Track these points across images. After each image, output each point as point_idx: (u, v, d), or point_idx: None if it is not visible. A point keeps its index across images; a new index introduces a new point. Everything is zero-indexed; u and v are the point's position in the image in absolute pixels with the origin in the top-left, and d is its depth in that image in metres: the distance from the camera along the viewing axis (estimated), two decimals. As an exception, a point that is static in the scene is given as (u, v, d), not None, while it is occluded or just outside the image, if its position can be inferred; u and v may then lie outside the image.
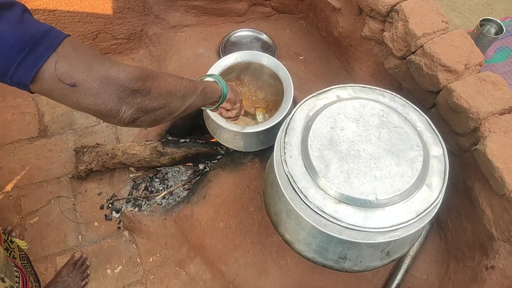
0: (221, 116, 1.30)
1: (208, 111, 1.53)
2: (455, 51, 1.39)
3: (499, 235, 1.23)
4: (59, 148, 2.04)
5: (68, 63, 0.64)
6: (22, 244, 1.72)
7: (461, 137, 1.39)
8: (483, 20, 2.03)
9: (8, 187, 1.90)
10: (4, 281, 1.05)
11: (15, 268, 1.14)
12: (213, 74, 1.19)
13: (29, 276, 1.24)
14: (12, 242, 1.33)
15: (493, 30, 2.04)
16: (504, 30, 1.99)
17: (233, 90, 1.21)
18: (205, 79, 1.17)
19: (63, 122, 2.12)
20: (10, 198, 1.88)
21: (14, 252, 1.32)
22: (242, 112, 1.34)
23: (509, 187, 1.16)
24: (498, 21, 2.02)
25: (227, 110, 1.25)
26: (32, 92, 0.66)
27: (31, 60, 0.61)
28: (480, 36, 1.97)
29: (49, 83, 0.63)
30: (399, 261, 1.52)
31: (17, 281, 1.13)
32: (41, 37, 0.62)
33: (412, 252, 1.52)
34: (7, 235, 1.33)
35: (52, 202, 1.89)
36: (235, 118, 1.32)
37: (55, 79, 0.63)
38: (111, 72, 0.68)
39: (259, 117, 1.70)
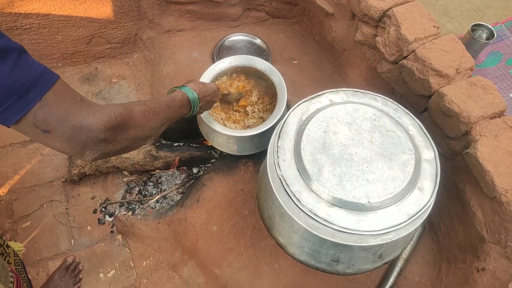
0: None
1: (201, 115, 1.53)
2: (447, 56, 1.41)
3: (490, 237, 1.24)
4: (52, 152, 2.02)
5: (47, 110, 0.66)
6: (19, 246, 1.71)
7: (452, 141, 1.41)
8: (475, 25, 2.06)
9: (0, 192, 1.89)
10: None
11: (11, 274, 1.13)
12: (181, 86, 1.18)
13: (23, 283, 1.23)
14: (8, 247, 1.32)
15: (484, 35, 2.07)
16: (495, 35, 2.02)
17: (197, 85, 1.21)
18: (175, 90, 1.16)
19: (56, 125, 2.11)
20: (2, 202, 1.86)
21: (10, 257, 1.31)
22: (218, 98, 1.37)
23: (500, 190, 1.17)
24: (490, 26, 2.05)
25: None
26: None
27: (17, 108, 0.64)
28: (472, 41, 2.00)
29: (25, 127, 0.66)
30: (391, 264, 1.53)
31: (11, 287, 1.12)
32: (31, 85, 0.64)
33: (404, 255, 1.52)
34: (3, 239, 1.32)
35: (44, 206, 1.88)
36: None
37: (31, 124, 0.66)
38: (85, 122, 0.70)
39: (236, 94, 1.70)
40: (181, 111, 1.10)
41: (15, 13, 1.93)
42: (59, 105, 0.68)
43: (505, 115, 1.34)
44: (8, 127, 0.67)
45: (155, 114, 0.93)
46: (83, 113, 0.71)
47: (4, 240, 1.33)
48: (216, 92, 1.34)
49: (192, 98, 1.14)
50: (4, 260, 1.25)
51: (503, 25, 2.26)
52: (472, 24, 2.04)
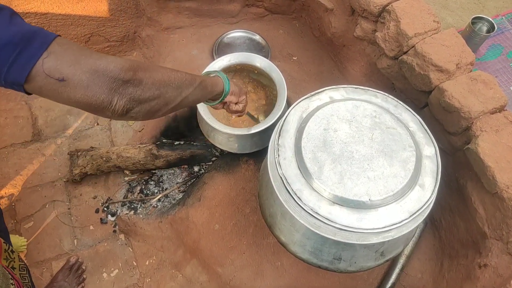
0: (229, 111, 1.24)
1: (202, 114, 1.53)
2: (447, 50, 1.40)
3: (491, 233, 1.24)
4: (53, 152, 2.03)
5: (55, 58, 0.64)
6: (22, 241, 1.71)
7: (453, 136, 1.40)
8: (475, 18, 2.04)
9: (2, 192, 1.89)
10: None
11: (12, 281, 1.13)
12: (215, 70, 1.17)
13: None
14: (13, 252, 1.32)
15: (485, 28, 2.05)
16: (496, 28, 2.00)
17: (235, 84, 1.19)
18: (207, 74, 1.15)
19: (56, 126, 2.11)
20: (4, 203, 1.87)
21: (14, 262, 1.30)
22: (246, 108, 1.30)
23: (501, 186, 1.17)
24: (490, 19, 2.03)
25: (235, 104, 1.21)
26: (28, 94, 0.67)
27: (23, 60, 0.62)
28: (472, 34, 1.98)
29: (39, 80, 0.64)
30: (394, 260, 1.53)
31: None
32: (31, 37, 0.63)
33: (406, 251, 1.53)
34: (7, 245, 1.31)
35: (47, 206, 1.88)
36: (242, 112, 1.27)
37: (43, 75, 0.63)
38: (100, 64, 0.67)
39: (260, 119, 1.69)
40: (209, 81, 1.04)
41: (13, 13, 1.92)
42: (66, 52, 0.65)
43: (506, 110, 1.34)
44: (25, 92, 0.65)
45: (175, 70, 0.88)
46: (94, 56, 0.68)
47: (9, 245, 1.33)
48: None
49: (224, 81, 1.11)
50: (9, 265, 1.25)
51: (503, 18, 2.25)
52: (473, 17, 2.03)
